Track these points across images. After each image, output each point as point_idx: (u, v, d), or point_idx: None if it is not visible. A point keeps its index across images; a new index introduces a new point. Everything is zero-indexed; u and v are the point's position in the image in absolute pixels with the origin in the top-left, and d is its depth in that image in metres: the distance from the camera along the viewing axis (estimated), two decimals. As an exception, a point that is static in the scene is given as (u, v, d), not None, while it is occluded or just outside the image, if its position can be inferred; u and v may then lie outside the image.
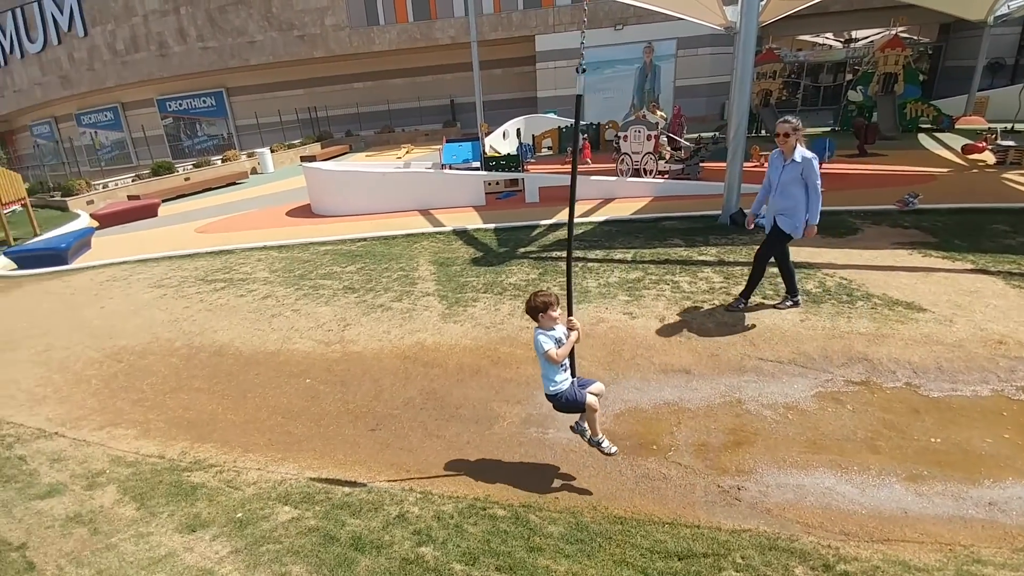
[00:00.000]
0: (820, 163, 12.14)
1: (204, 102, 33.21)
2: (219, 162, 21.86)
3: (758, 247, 5.37)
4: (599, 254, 7.49)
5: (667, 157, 13.65)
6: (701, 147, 13.33)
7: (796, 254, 6.71)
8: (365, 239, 9.51)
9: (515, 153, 15.46)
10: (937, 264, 6.08)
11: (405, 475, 3.81)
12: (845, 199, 8.91)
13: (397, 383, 5.02)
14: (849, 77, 23.29)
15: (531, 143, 18.63)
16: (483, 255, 8.04)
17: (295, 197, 14.95)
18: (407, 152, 23.72)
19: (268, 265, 8.63)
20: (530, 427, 4.24)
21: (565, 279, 3.51)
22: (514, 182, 12.87)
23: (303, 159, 22.97)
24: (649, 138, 13.23)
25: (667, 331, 5.26)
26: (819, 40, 29.72)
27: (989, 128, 14.64)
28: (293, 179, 18.18)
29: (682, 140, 14.81)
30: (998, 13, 16.44)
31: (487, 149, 16.13)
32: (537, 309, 3.28)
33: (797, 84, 25.57)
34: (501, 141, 18.39)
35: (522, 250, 8.15)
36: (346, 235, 9.90)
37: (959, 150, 12.97)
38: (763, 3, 13.72)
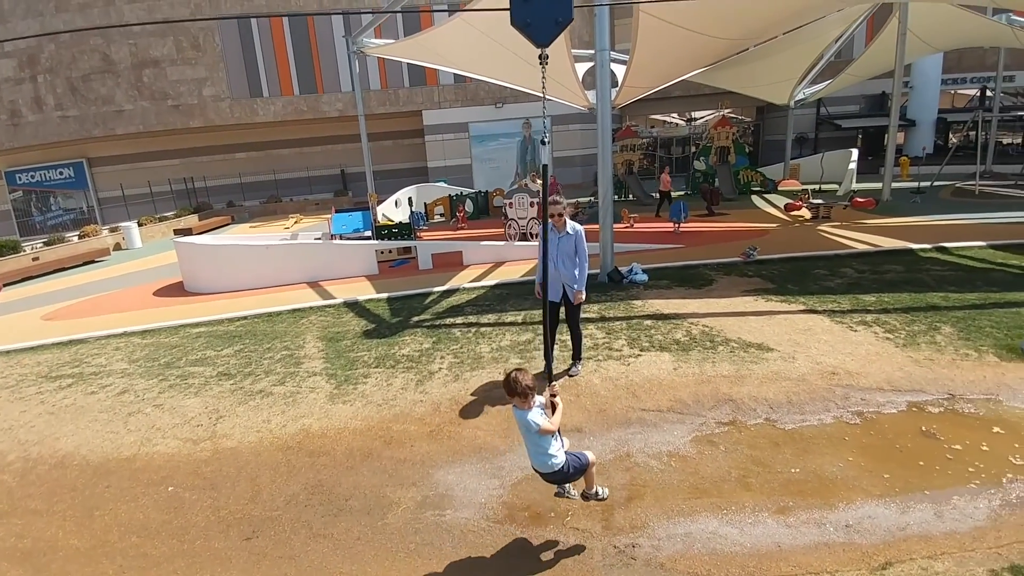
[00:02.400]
0: (677, 223, 13.41)
1: (61, 173, 29.77)
2: (75, 238, 19.40)
3: (564, 319, 5.53)
4: (491, 318, 7.50)
5: (548, 221, 14.35)
6: (578, 211, 14.22)
7: (665, 307, 7.22)
8: (245, 317, 8.75)
9: (407, 221, 15.45)
10: (777, 307, 6.83)
11: (286, 586, 3.34)
12: (701, 254, 9.86)
13: (278, 479, 4.49)
14: (693, 150, 26.50)
15: (423, 211, 18.75)
16: (375, 326, 7.72)
17: (165, 274, 13.57)
18: (295, 222, 22.80)
19: (128, 354, 7.58)
20: (427, 511, 3.95)
21: (543, 347, 3.64)
22: (407, 250, 12.74)
23: (177, 232, 21.14)
24: (532, 204, 13.89)
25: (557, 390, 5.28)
26: (667, 119, 33.76)
27: (803, 189, 17.22)
28: (163, 254, 16.60)
29: (560, 205, 15.70)
30: (797, 98, 19.82)
31: (379, 218, 15.95)
32: (524, 394, 3.06)
33: (654, 156, 28.55)
34: (393, 209, 18.32)
35: (415, 319, 7.95)
36: (224, 314, 9.05)
37: (783, 208, 15.06)
38: (616, 90, 15.37)
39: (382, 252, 12.27)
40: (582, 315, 7.15)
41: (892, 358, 5.34)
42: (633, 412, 4.85)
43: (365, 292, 9.80)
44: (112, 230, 21.07)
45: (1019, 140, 29.37)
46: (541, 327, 6.85)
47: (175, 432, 5.31)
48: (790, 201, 15.02)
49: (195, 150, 29.71)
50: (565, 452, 3.27)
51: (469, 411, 5.12)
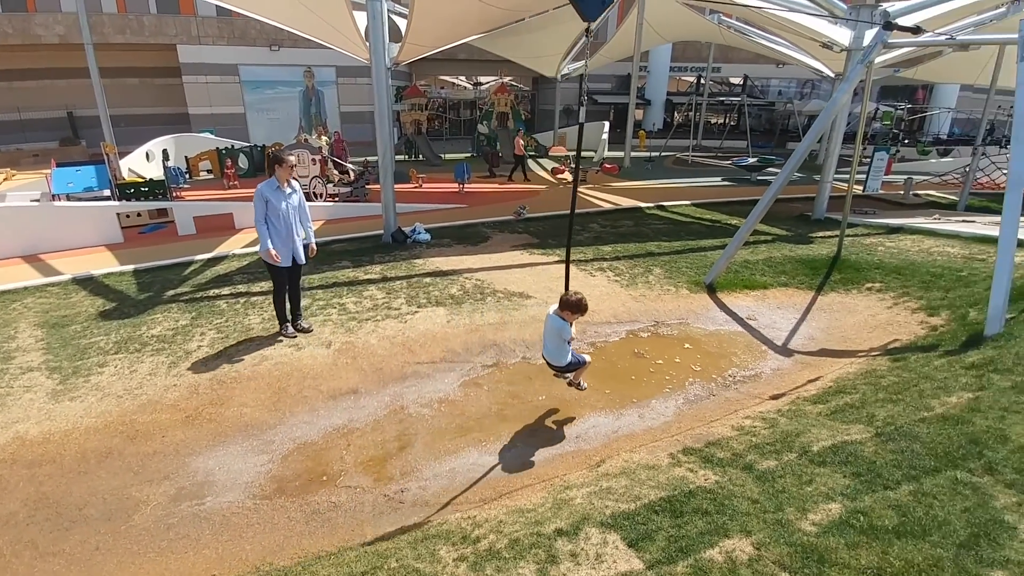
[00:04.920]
0: (461, 183, 13.77)
1: None
2: None
3: (282, 286, 5.37)
4: (265, 286, 6.82)
5: (335, 180, 13.47)
6: (366, 170, 13.59)
7: (444, 264, 7.46)
8: (-87, 306, 6.45)
9: (161, 178, 12.89)
10: (539, 260, 7.61)
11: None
12: (480, 213, 10.36)
13: (-23, 501, 3.52)
14: (478, 114, 27.27)
15: (184, 166, 15.86)
16: (116, 306, 6.40)
17: None
18: (4, 179, 17.25)
19: None
20: (182, 503, 3.53)
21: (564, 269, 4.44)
22: (162, 212, 10.71)
23: None
24: (315, 161, 12.81)
25: (335, 355, 5.13)
26: (456, 81, 33.94)
27: (567, 155, 19.19)
28: None
29: (348, 164, 14.83)
30: (563, 73, 21.66)
31: (125, 173, 13.00)
32: (581, 310, 4.02)
33: (444, 117, 28.59)
34: (144, 164, 15.09)
35: (171, 293, 6.81)
36: None
37: (551, 171, 16.61)
38: (399, 45, 14.79)
39: (128, 216, 10.13)
40: (364, 276, 7.02)
41: (618, 296, 6.42)
42: (409, 366, 4.98)
43: (105, 265, 8.00)
44: None
45: (722, 120, 36.93)
46: (319, 291, 6.49)
47: None
48: (556, 165, 16.63)
49: None
50: (571, 354, 4.20)
51: (234, 388, 4.66)
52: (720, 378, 4.94)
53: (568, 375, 4.43)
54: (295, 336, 5.46)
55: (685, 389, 4.79)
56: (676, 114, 31.66)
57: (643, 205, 11.43)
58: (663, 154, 21.13)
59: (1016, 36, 5.29)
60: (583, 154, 20.35)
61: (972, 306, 5.58)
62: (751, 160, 17.20)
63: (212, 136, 19.85)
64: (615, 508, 2.89)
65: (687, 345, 5.60)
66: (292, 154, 5.48)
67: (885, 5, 9.55)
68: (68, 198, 11.43)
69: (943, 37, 9.24)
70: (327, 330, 5.57)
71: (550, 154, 21.01)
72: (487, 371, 4.97)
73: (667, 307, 6.38)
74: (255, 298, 6.45)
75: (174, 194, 12.65)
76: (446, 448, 3.99)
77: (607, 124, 21.47)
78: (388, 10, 16.79)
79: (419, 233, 8.60)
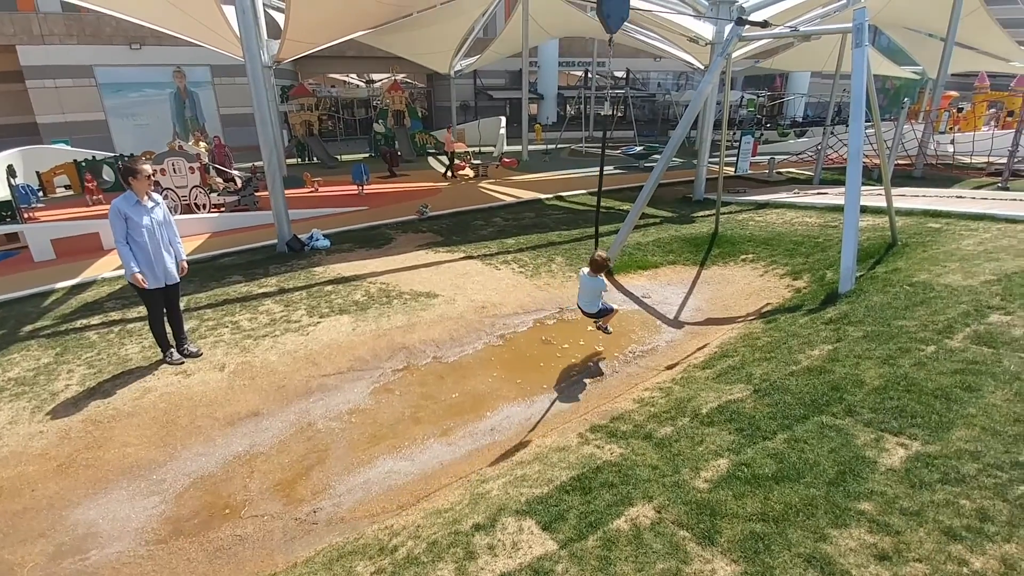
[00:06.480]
0: (360, 185, 13.25)
1: None
2: None
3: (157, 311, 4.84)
4: (141, 311, 6.10)
5: (219, 189, 12.37)
6: (254, 176, 12.62)
7: (346, 269, 7.14)
8: None
9: (7, 199, 11.06)
10: (444, 258, 7.53)
11: None
12: (383, 214, 10.03)
13: None
14: (374, 113, 26.36)
15: (36, 183, 13.77)
16: (-47, 349, 5.41)
17: None
18: None
19: None
20: (63, 560, 3.08)
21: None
22: (12, 237, 9.25)
23: None
24: (192, 170, 11.68)
25: (230, 378, 4.72)
26: (347, 79, 32.48)
27: (467, 152, 19.12)
28: None
29: (233, 171, 13.68)
30: (456, 69, 21.51)
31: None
32: (603, 267, 4.86)
33: (337, 117, 27.27)
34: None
35: (29, 328, 5.89)
36: None
37: (451, 168, 16.46)
38: (279, 42, 13.87)
39: (-39, 244, 8.64)
40: (259, 290, 6.53)
41: (523, 287, 6.53)
42: (314, 380, 4.72)
43: (-66, 304, 6.74)
44: None
45: (610, 112, 38.63)
46: (208, 311, 5.93)
47: None
48: (459, 162, 16.51)
49: None
50: (601, 303, 4.99)
51: (113, 428, 4.14)
52: (621, 355, 5.20)
53: (599, 320, 5.16)
54: (182, 362, 4.96)
55: (589, 368, 4.99)
56: (568, 107, 32.70)
57: (543, 197, 11.70)
58: (559, 146, 21.76)
59: (851, 25, 6.00)
60: (484, 150, 20.49)
61: (828, 268, 6.33)
62: (638, 148, 18.22)
63: (67, 147, 17.37)
64: (529, 494, 2.94)
65: (590, 328, 5.81)
66: (149, 163, 4.78)
67: (741, 1, 10.42)
68: None
69: (788, 29, 10.35)
70: (219, 352, 5.11)
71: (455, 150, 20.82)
72: (398, 375, 4.84)
73: (570, 293, 6.58)
74: (132, 325, 5.76)
75: (25, 216, 10.93)
76: (359, 460, 3.83)
77: (503, 119, 21.67)
78: (264, 5, 15.74)
79: (317, 240, 8.15)
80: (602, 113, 24.65)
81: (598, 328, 5.27)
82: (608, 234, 8.63)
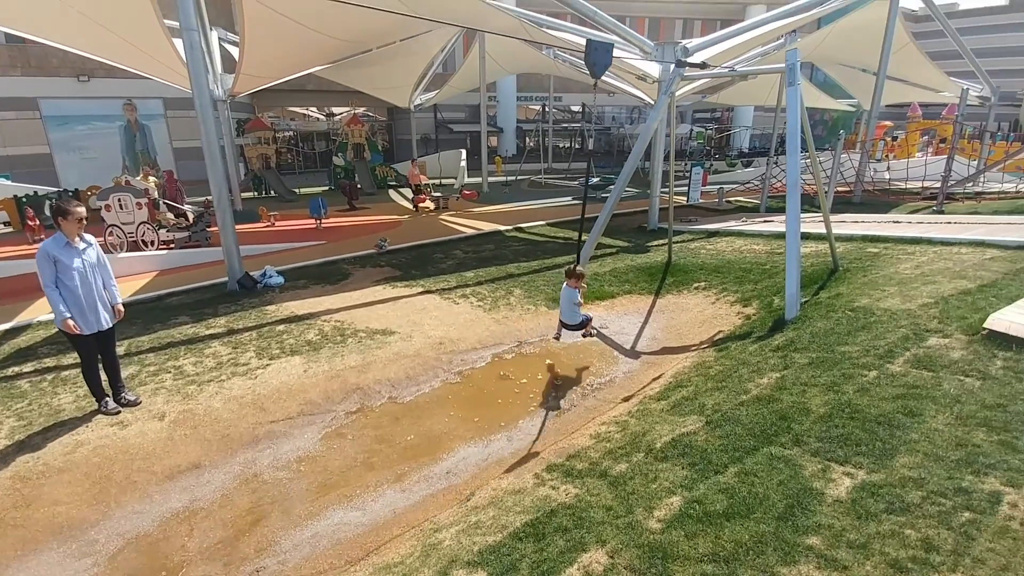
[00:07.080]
0: (318, 219, 13.02)
1: None
2: None
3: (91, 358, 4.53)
4: (75, 358, 5.70)
5: (169, 225, 11.91)
6: (207, 211, 12.22)
7: (300, 307, 6.93)
8: None
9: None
10: (401, 293, 7.41)
11: None
12: (340, 249, 9.85)
13: None
14: (333, 146, 26.22)
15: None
16: None
17: None
18: None
19: None
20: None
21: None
22: (-68, 280, 8.58)
23: None
24: (140, 206, 11.23)
25: (170, 428, 4.43)
26: (308, 112, 32.31)
27: (427, 184, 19.18)
28: None
29: (185, 206, 13.22)
30: (416, 103, 21.75)
31: None
32: (578, 275, 5.22)
33: (296, 150, 26.96)
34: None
35: (-54, 379, 5.40)
36: None
37: (411, 200, 16.45)
38: (233, 76, 13.71)
39: None
40: (206, 332, 6.24)
41: (482, 322, 6.47)
42: (261, 427, 4.48)
43: None
44: None
45: (567, 144, 39.73)
46: (150, 355, 5.57)
47: None
48: (418, 195, 16.52)
49: None
50: (581, 313, 5.33)
51: (43, 485, 3.80)
52: (579, 388, 5.18)
53: (580, 330, 5.40)
54: (118, 412, 4.63)
55: (548, 403, 4.93)
56: (527, 140, 33.44)
57: (503, 228, 11.78)
58: (519, 178, 22.12)
59: (784, 65, 6.38)
60: (445, 182, 20.61)
61: (776, 294, 6.55)
62: (595, 180, 18.70)
63: (7, 182, 16.47)
64: (482, 543, 2.83)
65: (548, 361, 5.80)
66: (82, 206, 4.43)
67: (684, 42, 11.00)
68: None
69: (727, 69, 10.97)
70: (160, 399, 4.81)
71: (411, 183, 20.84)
72: (351, 418, 4.66)
73: (528, 326, 6.57)
74: (67, 372, 5.37)
75: (-52, 256, 10.19)
76: (307, 512, 3.62)
77: (464, 152, 21.92)
78: (220, 39, 15.58)
79: (270, 277, 7.90)
80: (588, 147, 25.56)
81: (583, 336, 5.57)
82: (567, 265, 8.74)
